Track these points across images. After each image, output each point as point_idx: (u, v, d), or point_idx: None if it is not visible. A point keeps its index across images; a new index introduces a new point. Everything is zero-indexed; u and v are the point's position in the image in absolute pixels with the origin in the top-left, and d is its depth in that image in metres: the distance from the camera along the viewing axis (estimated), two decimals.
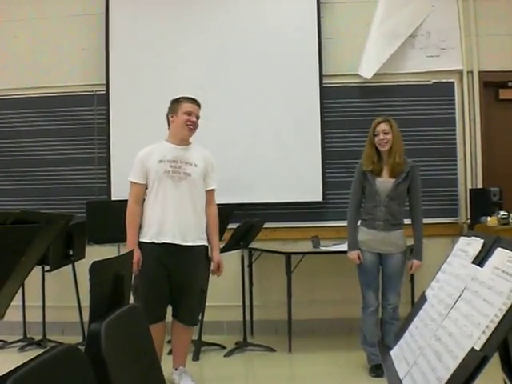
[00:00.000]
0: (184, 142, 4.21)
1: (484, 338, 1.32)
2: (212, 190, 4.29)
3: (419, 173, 4.54)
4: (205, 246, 4.21)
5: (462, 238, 1.90)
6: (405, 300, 5.02)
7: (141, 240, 4.10)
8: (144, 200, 4.16)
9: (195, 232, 4.12)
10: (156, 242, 4.03)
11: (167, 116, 4.26)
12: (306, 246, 5.34)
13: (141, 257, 4.01)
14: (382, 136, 4.39)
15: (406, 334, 1.88)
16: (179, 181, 4.07)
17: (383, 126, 4.41)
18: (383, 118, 4.48)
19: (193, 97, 4.25)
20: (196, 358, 5.01)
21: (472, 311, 1.45)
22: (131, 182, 4.16)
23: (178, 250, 4.03)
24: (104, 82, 5.81)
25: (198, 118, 4.21)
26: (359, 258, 4.45)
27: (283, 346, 5.19)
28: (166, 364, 4.29)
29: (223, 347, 5.30)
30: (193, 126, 4.17)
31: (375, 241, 4.42)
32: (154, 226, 4.05)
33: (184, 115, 4.15)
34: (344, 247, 4.94)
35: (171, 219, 4.03)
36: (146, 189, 4.13)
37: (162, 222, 4.04)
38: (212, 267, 4.31)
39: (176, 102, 4.22)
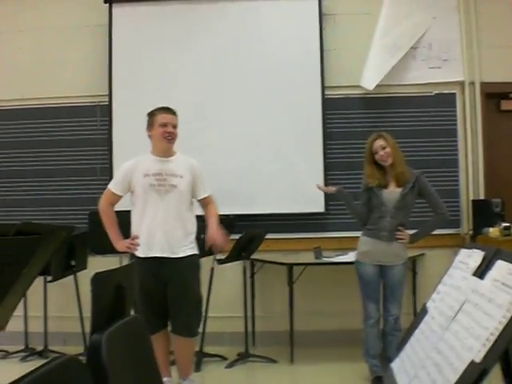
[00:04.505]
0: (167, 153, 4.21)
1: (484, 351, 1.32)
2: (206, 197, 4.29)
3: (425, 178, 4.52)
4: (195, 254, 4.22)
5: (462, 249, 1.90)
6: (407, 311, 5.02)
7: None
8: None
9: (183, 243, 4.13)
10: (144, 256, 4.06)
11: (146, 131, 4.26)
12: (308, 257, 5.32)
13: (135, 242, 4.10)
14: (381, 152, 4.39)
15: (407, 346, 1.88)
16: (165, 193, 4.09)
17: (379, 142, 4.40)
18: (376, 135, 4.46)
19: (166, 106, 4.22)
20: (197, 369, 5.00)
21: (472, 324, 1.45)
22: (109, 190, 4.21)
23: (168, 262, 4.06)
24: (107, 93, 5.84)
25: (175, 126, 4.18)
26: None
27: (285, 357, 5.18)
28: (174, 373, 4.32)
29: (225, 358, 5.29)
30: (171, 137, 4.15)
31: (377, 251, 4.40)
32: (142, 241, 4.08)
33: (160, 128, 4.13)
34: (346, 258, 4.95)
35: (159, 233, 4.06)
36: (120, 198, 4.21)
37: (150, 236, 4.07)
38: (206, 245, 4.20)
39: (151, 116, 4.20)
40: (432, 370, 1.54)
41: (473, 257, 1.74)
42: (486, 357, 1.31)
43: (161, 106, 4.23)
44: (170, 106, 4.25)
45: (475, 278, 1.64)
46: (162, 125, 4.13)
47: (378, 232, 4.41)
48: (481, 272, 1.64)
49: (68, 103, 5.91)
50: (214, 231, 4.16)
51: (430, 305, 1.91)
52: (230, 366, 5.13)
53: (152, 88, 5.75)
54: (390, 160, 4.40)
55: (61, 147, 5.90)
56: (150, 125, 4.19)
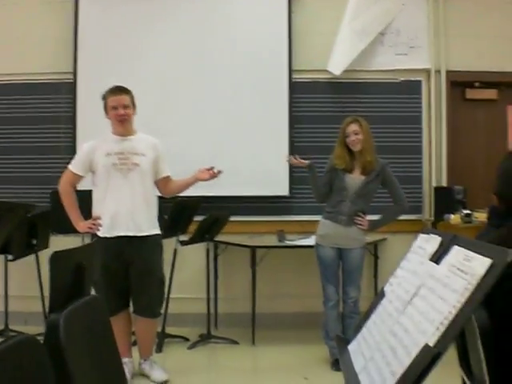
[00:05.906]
0: (126, 133, 4.17)
1: (438, 335, 1.34)
2: (167, 176, 4.30)
3: (390, 169, 4.58)
4: (159, 234, 4.22)
5: (420, 235, 1.93)
6: (368, 295, 5.08)
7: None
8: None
9: (148, 221, 4.13)
10: (108, 236, 4.03)
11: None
12: (272, 240, 5.36)
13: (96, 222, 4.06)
14: (353, 137, 4.43)
15: (364, 329, 1.91)
16: (128, 172, 4.06)
17: (353, 127, 4.45)
18: (353, 118, 4.52)
19: (117, 86, 4.16)
20: (159, 349, 5.01)
21: (427, 308, 1.48)
22: (70, 171, 4.14)
23: (133, 241, 4.04)
24: (72, 71, 5.75)
25: (126, 106, 4.12)
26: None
27: (247, 338, 5.22)
28: (135, 354, 4.32)
29: (187, 339, 5.31)
30: (123, 118, 4.11)
31: (336, 235, 4.47)
32: (106, 220, 4.04)
33: (111, 111, 4.11)
34: (309, 241, 4.98)
35: (124, 211, 4.03)
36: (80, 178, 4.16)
37: (114, 215, 4.04)
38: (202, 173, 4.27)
39: (104, 99, 4.16)
40: (387, 353, 1.56)
41: (430, 242, 1.77)
42: (439, 341, 1.33)
43: (113, 85, 4.18)
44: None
45: (432, 263, 1.66)
46: (113, 107, 4.10)
47: (337, 216, 4.47)
48: (437, 257, 1.66)
49: (31, 80, 5.79)
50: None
51: (387, 288, 1.94)
52: (192, 347, 5.15)
53: (117, 66, 5.67)
54: (359, 146, 4.44)
55: (24, 124, 5.79)
56: (105, 108, 4.17)
